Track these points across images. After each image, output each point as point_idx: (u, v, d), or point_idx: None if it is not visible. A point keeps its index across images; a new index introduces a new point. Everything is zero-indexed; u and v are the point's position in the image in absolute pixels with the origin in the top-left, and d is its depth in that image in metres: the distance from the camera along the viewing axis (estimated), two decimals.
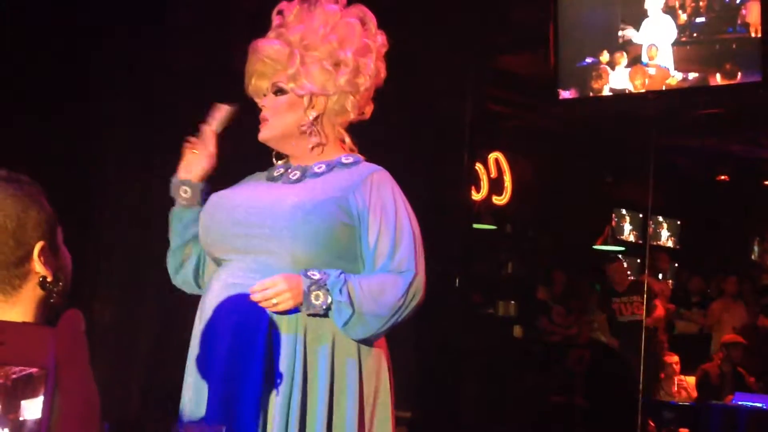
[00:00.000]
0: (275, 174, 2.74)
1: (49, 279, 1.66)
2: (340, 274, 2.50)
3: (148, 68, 5.48)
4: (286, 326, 2.50)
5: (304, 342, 2.51)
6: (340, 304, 2.48)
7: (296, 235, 2.51)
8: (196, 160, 2.81)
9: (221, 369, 2.50)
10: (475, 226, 9.06)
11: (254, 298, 2.47)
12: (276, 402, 2.47)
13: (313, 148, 2.69)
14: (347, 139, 2.75)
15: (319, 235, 2.52)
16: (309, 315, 2.50)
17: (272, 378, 2.48)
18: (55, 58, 5.11)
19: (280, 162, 2.78)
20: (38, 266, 1.65)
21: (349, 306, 2.48)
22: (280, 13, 2.75)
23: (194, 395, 2.57)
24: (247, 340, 2.49)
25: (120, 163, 5.53)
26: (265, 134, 2.72)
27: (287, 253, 2.51)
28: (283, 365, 2.48)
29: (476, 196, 9.47)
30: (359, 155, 2.74)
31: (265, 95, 2.72)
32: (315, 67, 2.65)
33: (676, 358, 9.27)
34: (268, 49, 2.69)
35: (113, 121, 5.49)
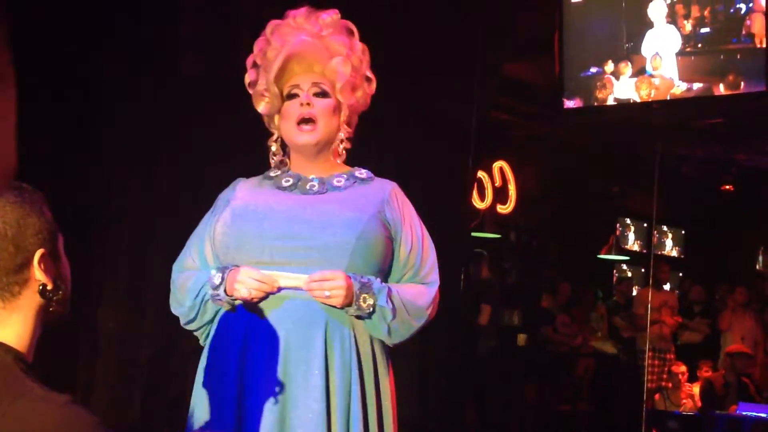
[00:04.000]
0: (284, 183, 2.72)
1: (49, 287, 1.66)
2: (381, 281, 2.62)
3: (153, 74, 5.49)
4: (340, 332, 2.57)
5: (356, 343, 2.59)
6: (384, 310, 2.57)
7: (353, 250, 2.57)
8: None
9: (275, 375, 2.52)
10: (480, 234, 9.07)
11: (310, 285, 2.51)
12: (336, 406, 2.53)
13: (330, 158, 2.75)
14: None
15: (371, 250, 2.60)
16: (354, 317, 2.57)
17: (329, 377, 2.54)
18: (60, 63, 5.12)
19: (279, 171, 2.77)
20: (38, 273, 1.65)
21: (391, 312, 2.58)
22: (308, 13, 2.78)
23: (204, 403, 2.57)
24: (305, 347, 2.53)
25: (124, 170, 5.54)
26: (317, 137, 2.70)
27: (339, 267, 2.56)
28: (340, 367, 2.55)
29: (480, 205, 9.47)
30: (368, 171, 2.81)
31: (295, 95, 2.72)
32: (355, 80, 2.75)
33: (683, 368, 9.25)
34: (311, 46, 2.73)
35: (118, 128, 5.50)
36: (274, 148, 2.79)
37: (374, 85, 2.81)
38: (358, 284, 2.55)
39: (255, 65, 2.80)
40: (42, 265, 1.66)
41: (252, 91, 2.79)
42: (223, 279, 2.59)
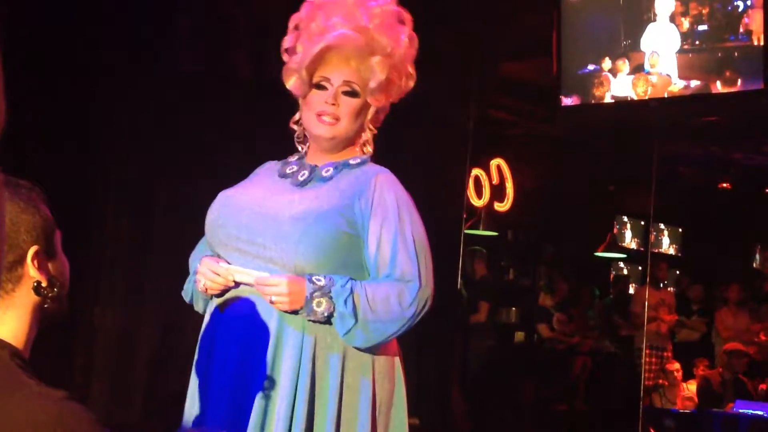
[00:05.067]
0: (287, 171, 2.69)
1: (43, 284, 1.65)
2: (347, 282, 2.45)
3: (152, 73, 5.49)
4: (293, 333, 2.47)
5: (313, 347, 2.47)
6: (343, 314, 2.43)
7: (297, 247, 2.46)
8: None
9: (230, 372, 2.48)
10: (477, 232, 9.07)
11: (258, 288, 2.45)
12: (280, 411, 2.43)
13: (346, 153, 2.68)
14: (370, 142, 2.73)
15: (321, 247, 2.47)
16: (309, 321, 2.46)
17: (278, 383, 2.45)
18: (58, 63, 5.11)
19: (295, 157, 2.73)
20: (32, 270, 1.65)
21: (352, 317, 2.43)
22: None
23: (194, 401, 2.56)
24: (255, 344, 2.46)
25: (122, 168, 5.53)
26: (334, 132, 2.63)
27: (290, 264, 2.46)
28: (289, 372, 2.45)
29: (478, 203, 9.47)
30: (365, 156, 2.69)
31: (323, 87, 2.64)
32: (388, 80, 2.65)
33: (677, 366, 9.25)
34: (352, 41, 2.62)
35: (115, 126, 5.49)
36: (296, 129, 2.73)
37: (413, 80, 2.71)
38: (311, 288, 2.42)
39: (296, 28, 2.71)
40: (36, 262, 1.65)
41: (285, 59, 2.71)
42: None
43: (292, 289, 2.42)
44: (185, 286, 2.71)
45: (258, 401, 2.43)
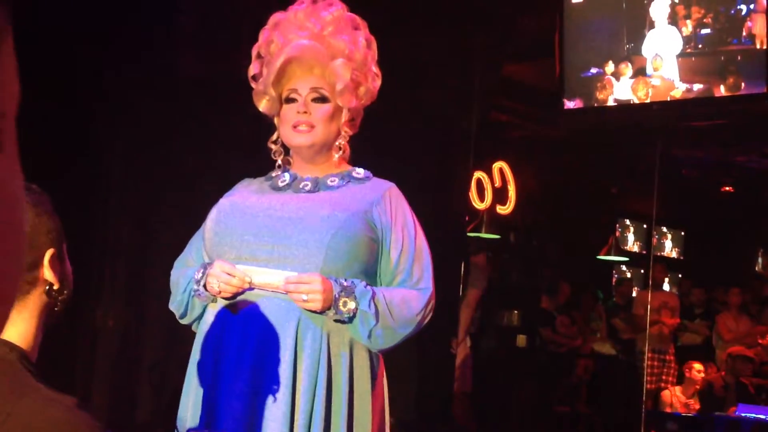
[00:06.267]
0: (280, 183, 2.71)
1: (56, 287, 1.66)
2: (366, 284, 2.54)
3: (153, 72, 5.49)
4: (314, 331, 2.51)
5: (327, 344, 2.52)
6: (366, 314, 2.50)
7: (328, 248, 2.51)
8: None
9: (245, 374, 2.48)
10: (479, 235, 9.07)
11: (287, 287, 2.47)
12: (301, 406, 2.47)
13: (330, 160, 2.72)
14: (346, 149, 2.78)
15: (349, 249, 2.53)
16: (334, 321, 2.51)
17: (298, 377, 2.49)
18: (60, 62, 5.12)
19: (279, 171, 2.76)
20: (47, 273, 1.65)
21: (374, 317, 2.51)
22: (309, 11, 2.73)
23: (197, 403, 2.56)
24: (273, 345, 2.49)
25: (124, 167, 5.54)
26: (312, 139, 2.67)
27: (315, 266, 2.51)
28: (309, 368, 2.49)
29: (480, 206, 9.46)
30: (366, 170, 2.76)
31: (293, 99, 2.69)
32: (354, 81, 2.69)
33: (698, 366, 9.15)
34: (310, 49, 2.67)
35: (117, 125, 5.50)
36: (273, 148, 2.76)
37: (380, 79, 2.76)
38: (338, 287, 2.49)
39: (259, 56, 2.77)
40: (51, 265, 1.65)
41: (254, 86, 2.76)
42: (203, 275, 2.59)
43: (325, 287, 2.47)
44: (179, 298, 2.70)
45: (281, 398, 2.46)
